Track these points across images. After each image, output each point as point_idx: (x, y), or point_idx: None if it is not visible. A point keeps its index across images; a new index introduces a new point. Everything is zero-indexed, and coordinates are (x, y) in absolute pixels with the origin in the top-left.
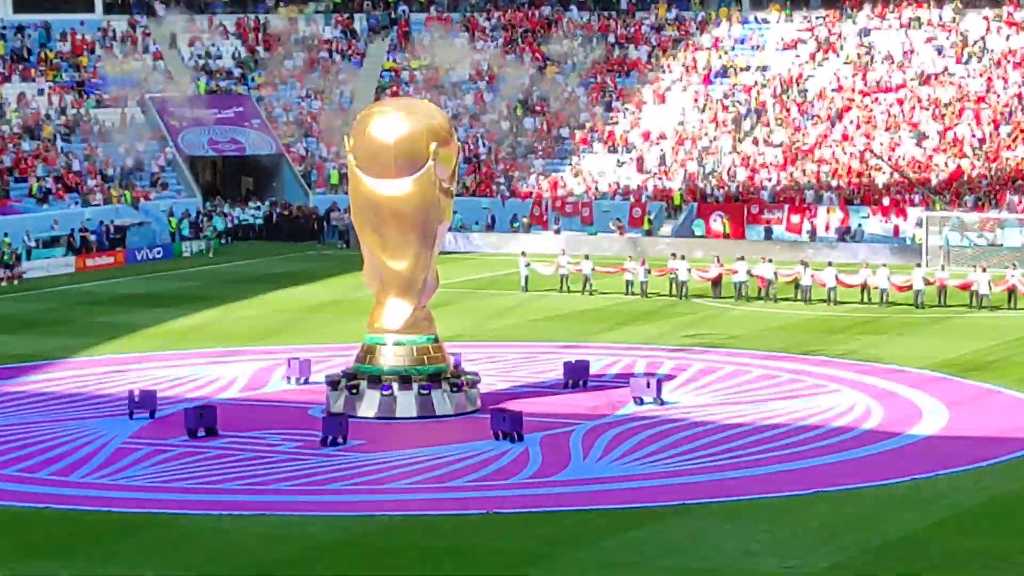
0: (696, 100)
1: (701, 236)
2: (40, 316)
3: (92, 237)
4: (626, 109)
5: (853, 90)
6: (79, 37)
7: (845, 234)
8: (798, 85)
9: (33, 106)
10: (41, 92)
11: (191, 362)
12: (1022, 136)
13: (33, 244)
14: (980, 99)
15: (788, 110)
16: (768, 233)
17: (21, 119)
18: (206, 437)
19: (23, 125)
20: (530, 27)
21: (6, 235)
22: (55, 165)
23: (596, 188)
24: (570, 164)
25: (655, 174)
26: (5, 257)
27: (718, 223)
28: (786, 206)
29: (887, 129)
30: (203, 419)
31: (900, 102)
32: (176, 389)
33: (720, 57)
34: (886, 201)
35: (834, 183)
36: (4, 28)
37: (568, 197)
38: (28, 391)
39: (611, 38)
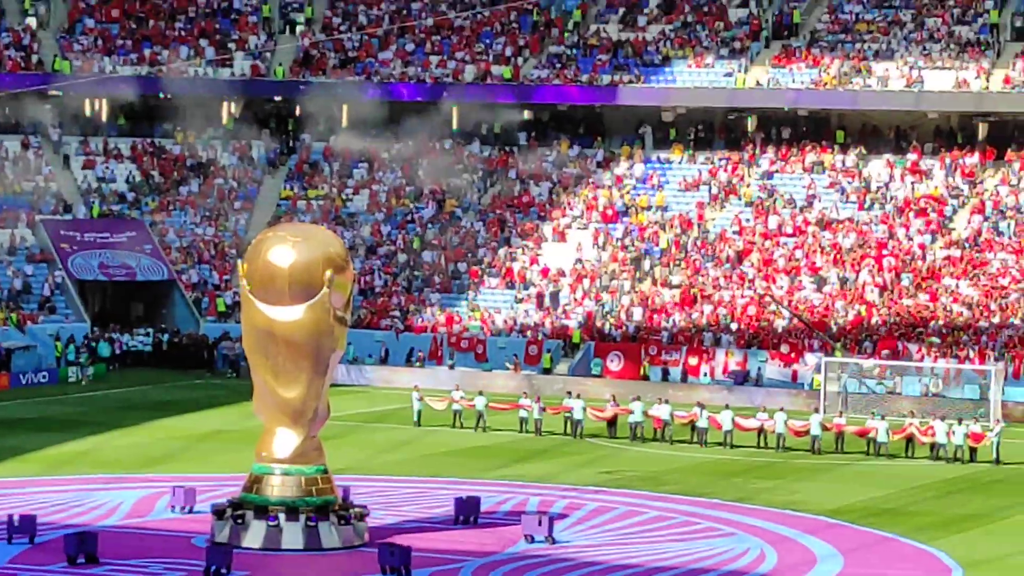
0: (596, 238)
1: (598, 375)
2: None
3: None
4: (525, 245)
5: (754, 233)
6: None
7: (743, 377)
8: (699, 226)
9: None
10: None
11: (73, 487)
12: (923, 284)
13: None
14: (882, 245)
15: (688, 251)
16: (665, 374)
17: None
18: (86, 564)
19: None
20: (431, 159)
21: None
22: None
23: (492, 324)
24: (467, 299)
25: (553, 312)
26: None
27: (615, 363)
28: (684, 347)
29: (787, 273)
30: (84, 545)
31: (801, 246)
32: (57, 515)
33: (621, 196)
34: (785, 346)
35: (733, 326)
36: None
37: (464, 333)
38: None
39: (512, 173)
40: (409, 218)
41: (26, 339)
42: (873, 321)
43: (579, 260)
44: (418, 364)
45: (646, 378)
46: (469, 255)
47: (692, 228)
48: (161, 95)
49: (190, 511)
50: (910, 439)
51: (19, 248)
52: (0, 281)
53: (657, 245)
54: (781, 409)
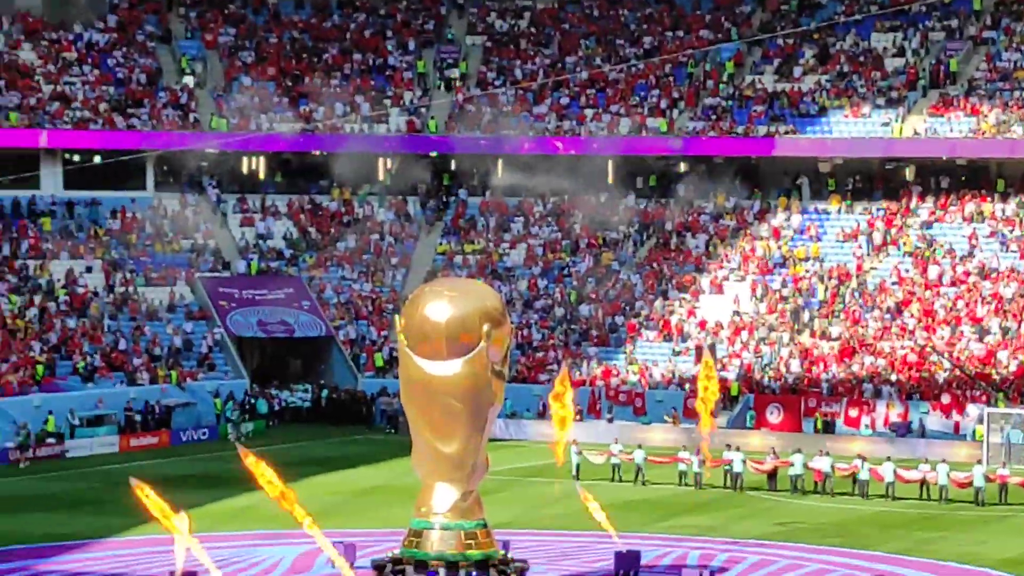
0: (754, 290)
1: (750, 427)
2: (83, 495)
3: (137, 417)
4: (682, 298)
5: (914, 283)
6: (129, 215)
7: (905, 429)
8: (858, 277)
9: (81, 283)
10: (89, 269)
11: (235, 544)
12: None
13: (77, 423)
14: None
15: (846, 302)
16: (825, 426)
17: (68, 296)
18: None
19: (70, 302)
20: (587, 212)
21: (50, 413)
22: (101, 343)
23: (650, 377)
24: (624, 352)
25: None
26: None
27: (775, 415)
28: (844, 399)
29: (948, 323)
30: None
31: (961, 296)
32: (219, 571)
33: (779, 247)
34: (946, 397)
35: (893, 377)
36: (54, 204)
37: (622, 386)
38: (68, 570)
39: (668, 225)
40: (566, 271)
41: (186, 396)
42: None
43: (736, 312)
44: (577, 418)
45: (806, 429)
46: (626, 308)
47: (850, 279)
48: (317, 152)
49: (351, 567)
50: None
51: (178, 305)
52: (160, 338)
53: (815, 296)
54: (943, 461)
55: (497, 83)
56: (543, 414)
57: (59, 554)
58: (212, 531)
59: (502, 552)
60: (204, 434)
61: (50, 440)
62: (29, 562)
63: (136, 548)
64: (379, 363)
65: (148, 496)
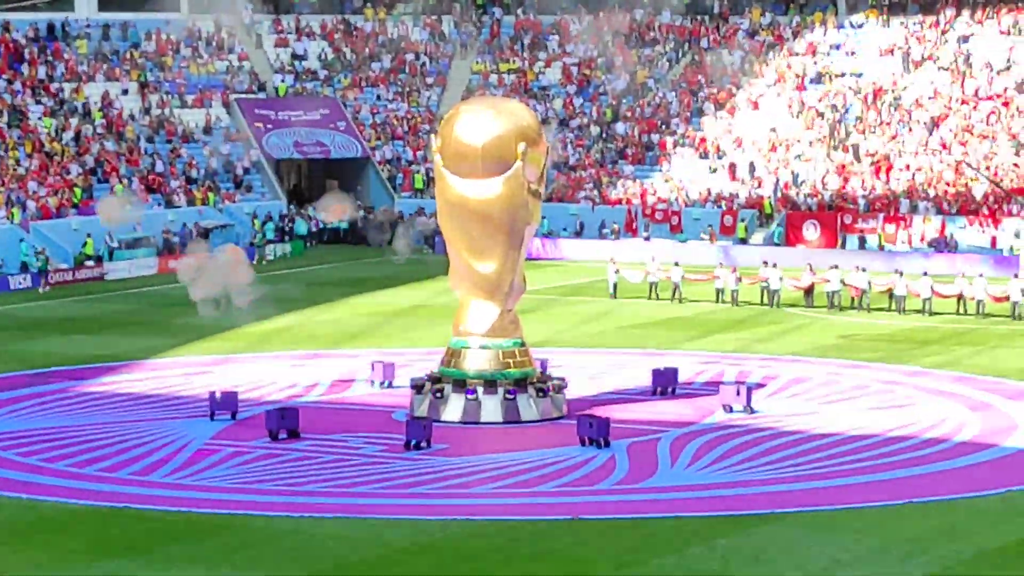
0: (790, 107)
1: (779, 244)
2: (122, 317)
3: (175, 239)
4: (718, 115)
5: (950, 98)
6: (164, 37)
7: (941, 244)
8: (894, 92)
9: (117, 106)
10: (125, 92)
11: (273, 364)
12: None
13: (116, 245)
14: None
15: (883, 118)
16: (862, 242)
17: (104, 119)
18: (288, 439)
19: (107, 125)
20: (621, 31)
21: (89, 235)
22: (138, 166)
23: (686, 195)
24: (660, 171)
25: (747, 182)
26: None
27: (811, 231)
28: (880, 215)
29: (984, 138)
30: (285, 421)
31: (998, 111)
32: (258, 391)
33: (815, 63)
34: (984, 211)
35: (930, 193)
36: (89, 27)
37: (658, 204)
38: (109, 391)
39: (704, 43)
40: (601, 90)
41: (224, 218)
42: None
43: (772, 129)
44: (613, 236)
45: (843, 246)
46: (662, 126)
47: (887, 94)
48: None
49: (389, 385)
50: None
51: (214, 127)
52: (197, 161)
53: (854, 112)
54: (980, 275)
55: None
56: (579, 233)
57: (100, 375)
58: (250, 351)
59: (540, 370)
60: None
61: (89, 263)
62: (71, 383)
63: (176, 368)
64: (419, 184)
65: None
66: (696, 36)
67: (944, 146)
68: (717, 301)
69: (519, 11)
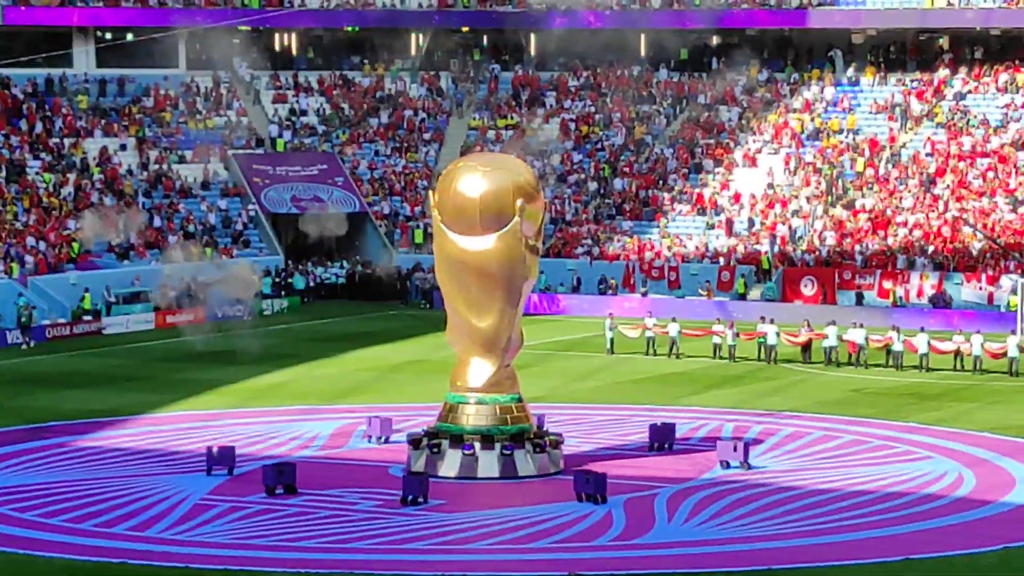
0: (787, 163)
1: (776, 300)
2: (119, 371)
3: (172, 294)
4: (715, 171)
5: (947, 155)
6: (162, 92)
7: (938, 300)
8: (891, 149)
9: (115, 161)
10: (123, 147)
11: (271, 419)
12: None
13: (114, 300)
14: None
15: (880, 175)
16: (859, 298)
17: (103, 174)
18: (285, 494)
19: (105, 180)
20: (619, 87)
21: (87, 290)
22: (136, 221)
23: (684, 250)
24: (658, 226)
25: (744, 237)
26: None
27: (808, 287)
28: (878, 271)
29: (981, 195)
30: (282, 476)
31: (994, 168)
32: (255, 446)
33: (812, 119)
34: (982, 267)
35: (927, 248)
36: (87, 82)
37: (655, 260)
38: (106, 446)
39: (701, 99)
40: (599, 146)
41: (221, 273)
42: None
43: (770, 185)
44: (610, 292)
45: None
46: (659, 181)
47: (884, 151)
48: (349, 28)
49: (386, 441)
50: None
51: (213, 183)
52: (195, 215)
53: (851, 168)
54: (977, 331)
55: None
56: (576, 288)
57: (97, 430)
58: (248, 407)
59: (537, 425)
60: (239, 310)
61: (86, 317)
62: (67, 438)
63: (173, 424)
64: (419, 239)
65: None
66: (693, 92)
67: (939, 201)
68: (714, 357)
69: (517, 67)
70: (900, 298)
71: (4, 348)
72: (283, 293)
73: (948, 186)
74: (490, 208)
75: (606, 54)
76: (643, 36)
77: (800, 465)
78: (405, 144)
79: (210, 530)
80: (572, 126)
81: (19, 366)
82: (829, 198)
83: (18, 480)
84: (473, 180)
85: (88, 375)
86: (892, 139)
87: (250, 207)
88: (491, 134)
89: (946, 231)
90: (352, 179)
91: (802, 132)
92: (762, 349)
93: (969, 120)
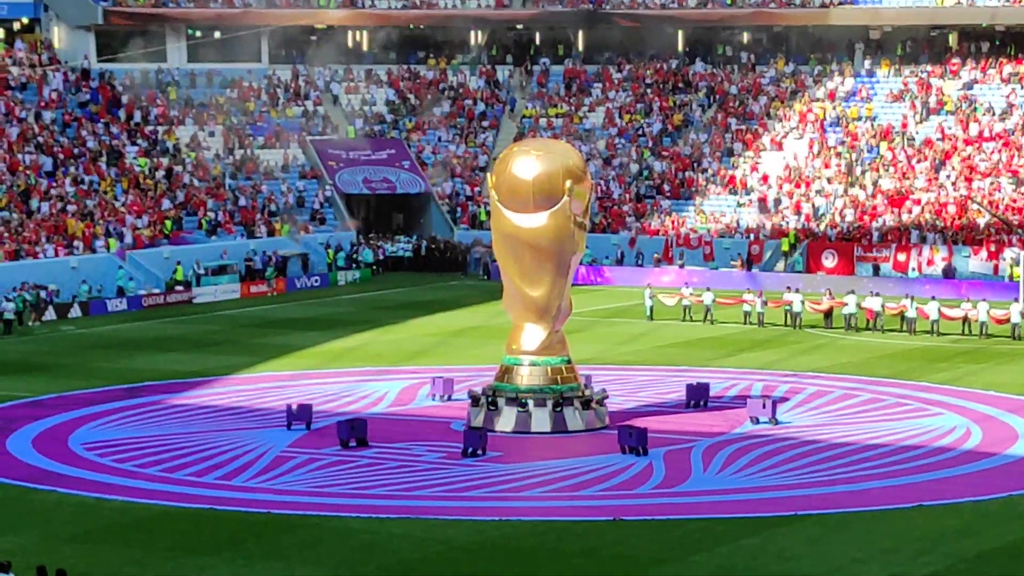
0: (811, 147)
1: (800, 271)
2: (208, 337)
3: (256, 266)
4: (745, 155)
5: (956, 139)
6: (246, 84)
7: (948, 271)
8: (905, 134)
9: (204, 146)
10: (212, 134)
11: (344, 380)
12: None
13: (203, 272)
14: None
15: (895, 157)
16: (876, 270)
17: (194, 159)
18: (357, 447)
19: (195, 164)
20: (658, 79)
21: (179, 263)
22: (223, 200)
23: (717, 226)
24: (694, 205)
25: (771, 214)
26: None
27: (830, 260)
28: (893, 245)
29: (987, 175)
30: (355, 431)
31: (999, 151)
32: (330, 404)
33: (834, 108)
34: (987, 242)
35: (938, 224)
36: (179, 76)
37: (692, 234)
38: (196, 404)
39: (733, 90)
40: (640, 132)
41: (300, 247)
42: None
43: (795, 167)
44: (654, 265)
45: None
46: (695, 164)
47: (899, 136)
48: (414, 27)
49: (448, 399)
50: None
51: (291, 166)
52: (276, 195)
53: (868, 152)
54: (983, 299)
55: None
56: (620, 261)
57: (187, 389)
58: (323, 368)
59: (584, 385)
60: (316, 281)
61: (179, 287)
62: (161, 396)
63: (256, 384)
64: (482, 217)
65: None
66: (726, 83)
67: (949, 182)
68: (745, 323)
69: (566, 61)
70: (913, 269)
71: (105, 315)
72: (355, 266)
73: (956, 168)
74: (542, 189)
75: (647, 48)
76: (680, 32)
77: (823, 421)
78: (465, 131)
79: (290, 479)
80: (616, 114)
81: (118, 332)
82: (849, 179)
83: (117, 434)
84: (527, 163)
85: (180, 340)
86: (905, 125)
87: (326, 188)
88: (543, 122)
89: (953, 209)
90: (417, 162)
91: (824, 119)
92: (788, 316)
93: (976, 108)
